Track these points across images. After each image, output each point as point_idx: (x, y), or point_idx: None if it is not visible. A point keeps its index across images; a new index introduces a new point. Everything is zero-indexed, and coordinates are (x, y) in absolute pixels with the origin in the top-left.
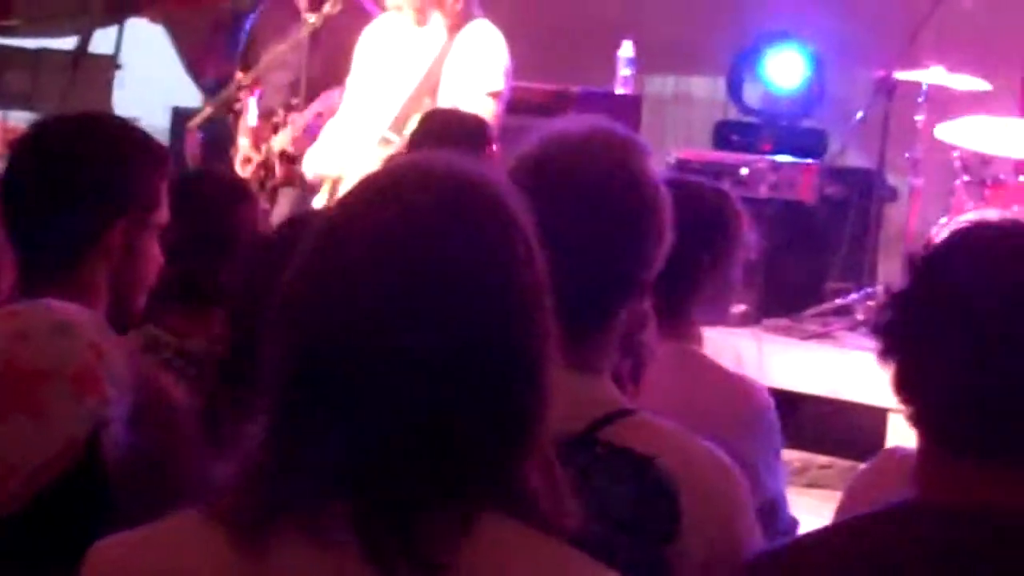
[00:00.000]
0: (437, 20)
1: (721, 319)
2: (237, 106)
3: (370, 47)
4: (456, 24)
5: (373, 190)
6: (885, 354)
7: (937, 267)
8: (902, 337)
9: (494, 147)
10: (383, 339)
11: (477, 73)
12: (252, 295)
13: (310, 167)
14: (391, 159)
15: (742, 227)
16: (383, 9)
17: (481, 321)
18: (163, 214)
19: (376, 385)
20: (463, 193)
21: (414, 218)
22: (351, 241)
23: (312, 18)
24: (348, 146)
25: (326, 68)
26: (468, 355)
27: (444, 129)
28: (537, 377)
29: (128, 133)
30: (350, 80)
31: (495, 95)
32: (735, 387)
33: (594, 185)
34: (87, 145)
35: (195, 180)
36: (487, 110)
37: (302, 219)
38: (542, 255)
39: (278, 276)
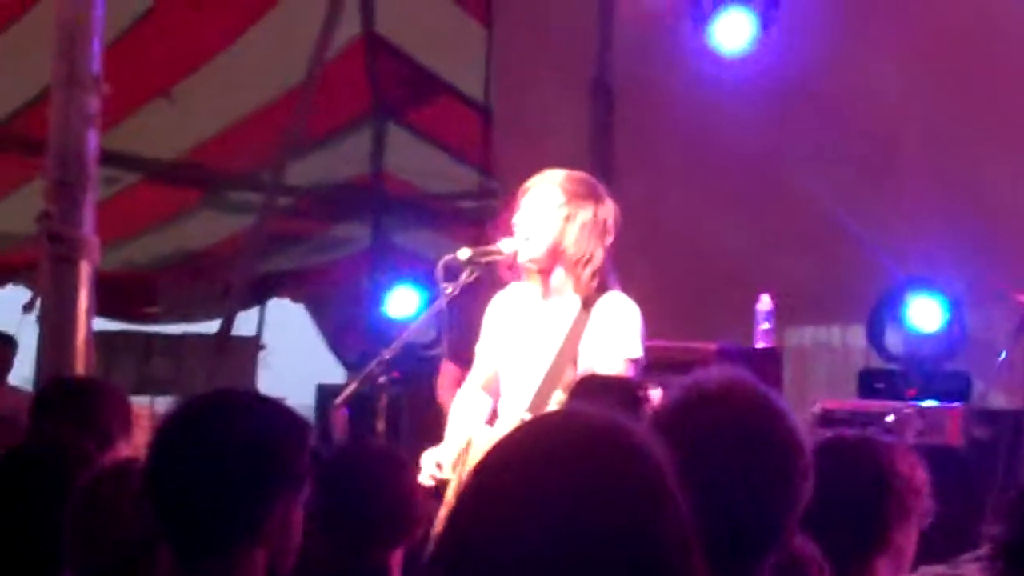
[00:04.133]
0: (567, 293)
1: (907, 572)
2: (381, 380)
3: (501, 318)
4: (589, 297)
5: (509, 457)
6: None
7: None
8: None
9: (646, 407)
10: None
11: (616, 341)
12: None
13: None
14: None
15: (923, 479)
16: (518, 279)
17: None
18: (308, 485)
19: None
20: (604, 448)
21: (552, 484)
22: (486, 518)
23: (449, 288)
24: (480, 424)
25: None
26: None
27: (596, 391)
28: None
29: (274, 411)
30: (479, 348)
31: (633, 361)
32: None
33: (735, 431)
34: (239, 431)
35: (351, 457)
36: (626, 375)
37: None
38: (688, 509)
39: None
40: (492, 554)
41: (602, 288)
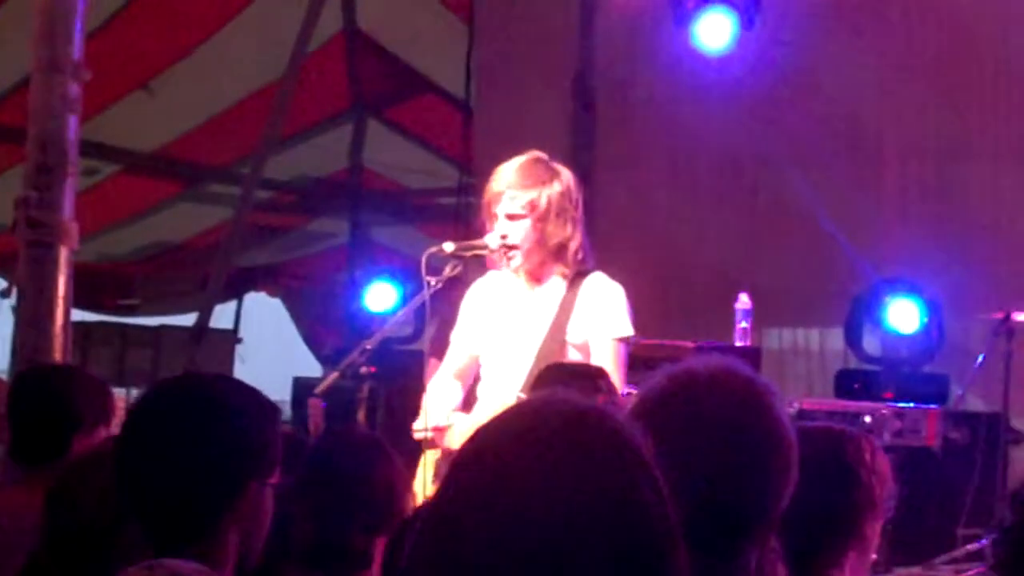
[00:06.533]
0: (552, 278)
1: (868, 569)
2: (362, 371)
3: (481, 306)
4: (574, 276)
5: (489, 443)
6: None
7: None
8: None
9: (616, 396)
10: None
11: (606, 320)
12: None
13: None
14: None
15: (885, 465)
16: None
17: (610, 565)
18: (278, 469)
19: None
20: (583, 431)
21: (530, 464)
22: (469, 503)
23: (432, 281)
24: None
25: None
26: None
27: (561, 379)
28: None
29: (244, 394)
30: (455, 335)
31: (624, 340)
32: None
33: (721, 418)
34: (210, 414)
35: (332, 441)
36: (617, 354)
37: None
38: (668, 492)
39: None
40: (475, 538)
41: (586, 260)
